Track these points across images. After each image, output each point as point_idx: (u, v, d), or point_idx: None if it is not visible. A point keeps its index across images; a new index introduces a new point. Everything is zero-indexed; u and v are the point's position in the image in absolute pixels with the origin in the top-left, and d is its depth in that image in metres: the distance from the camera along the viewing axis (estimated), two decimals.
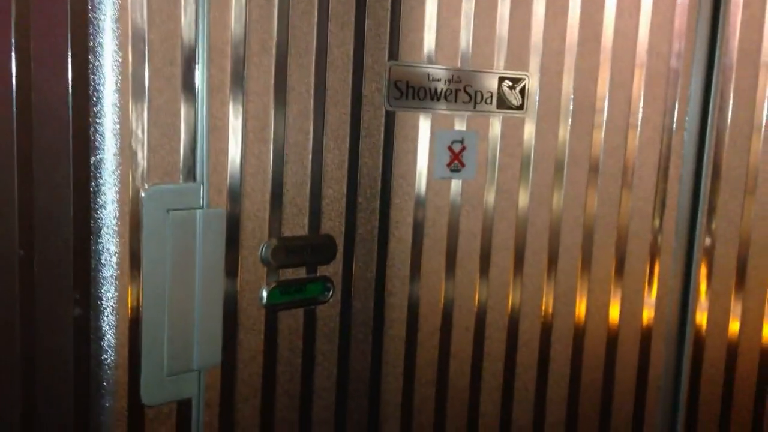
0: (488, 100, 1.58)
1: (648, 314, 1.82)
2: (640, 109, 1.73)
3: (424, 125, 1.52)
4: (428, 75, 1.52)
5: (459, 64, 1.53)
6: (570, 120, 1.66)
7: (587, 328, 1.76)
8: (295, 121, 1.36)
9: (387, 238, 1.53)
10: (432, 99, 1.52)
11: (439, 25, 1.50)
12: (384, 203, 1.51)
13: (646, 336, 1.83)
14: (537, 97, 1.62)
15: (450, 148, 1.56)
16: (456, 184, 1.57)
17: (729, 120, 1.81)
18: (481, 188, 1.60)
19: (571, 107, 1.66)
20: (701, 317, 1.87)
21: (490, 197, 1.61)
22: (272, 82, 1.33)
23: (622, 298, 1.79)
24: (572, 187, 1.69)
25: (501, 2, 1.56)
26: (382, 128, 1.49)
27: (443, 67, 1.52)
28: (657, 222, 1.79)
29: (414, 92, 1.51)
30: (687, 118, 1.78)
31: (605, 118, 1.70)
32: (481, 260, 1.63)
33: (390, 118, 1.49)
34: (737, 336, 1.91)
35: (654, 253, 1.80)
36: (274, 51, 1.32)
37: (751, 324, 1.90)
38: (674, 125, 1.77)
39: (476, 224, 1.61)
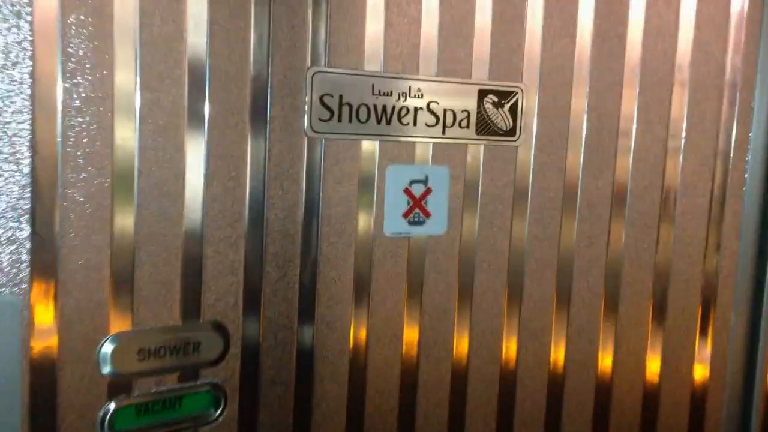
0: (464, 123, 1.10)
1: (701, 372, 1.31)
2: (684, 130, 1.23)
3: (368, 159, 1.04)
4: (372, 87, 1.04)
5: (419, 71, 1.06)
6: (583, 148, 1.17)
7: (614, 393, 1.25)
8: (153, 141, 0.89)
9: (313, 324, 1.04)
10: (379, 121, 1.05)
11: (389, 13, 1.03)
12: (307, 273, 1.03)
13: (698, 400, 1.32)
14: (535, 119, 1.13)
15: (408, 192, 1.08)
16: (417, 242, 1.09)
17: None
18: (454, 247, 1.12)
19: (585, 131, 1.16)
20: None
21: (470, 258, 1.13)
22: (112, 79, 0.86)
23: (664, 351, 1.28)
24: (587, 242, 1.20)
25: None
26: (303, 164, 1.01)
27: (395, 74, 1.04)
28: (711, 263, 1.28)
29: (351, 111, 1.03)
30: (750, 138, 1.28)
31: (633, 144, 1.20)
32: (456, 348, 1.14)
33: (314, 149, 1.02)
34: None
35: (707, 300, 1.29)
36: (113, 37, 0.85)
37: None
38: (732, 149, 1.26)
39: (448, 298, 1.13)
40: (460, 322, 1.16)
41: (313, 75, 1.01)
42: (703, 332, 1.33)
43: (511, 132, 1.15)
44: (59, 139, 0.85)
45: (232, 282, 0.98)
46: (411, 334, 1.12)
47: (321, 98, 1.02)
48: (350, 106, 1.04)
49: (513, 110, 1.14)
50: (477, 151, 1.13)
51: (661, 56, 1.21)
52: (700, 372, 1.33)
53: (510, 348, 1.19)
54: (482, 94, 1.12)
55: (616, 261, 1.24)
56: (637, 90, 1.20)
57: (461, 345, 1.16)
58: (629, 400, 1.30)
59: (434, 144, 1.10)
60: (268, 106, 0.98)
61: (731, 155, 1.29)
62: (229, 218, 0.97)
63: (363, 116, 1.05)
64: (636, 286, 1.26)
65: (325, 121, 1.02)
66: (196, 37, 0.92)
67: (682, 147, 1.25)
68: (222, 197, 0.96)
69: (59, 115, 0.84)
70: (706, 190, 1.28)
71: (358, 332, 1.09)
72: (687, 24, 1.21)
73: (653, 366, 1.30)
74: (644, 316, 1.28)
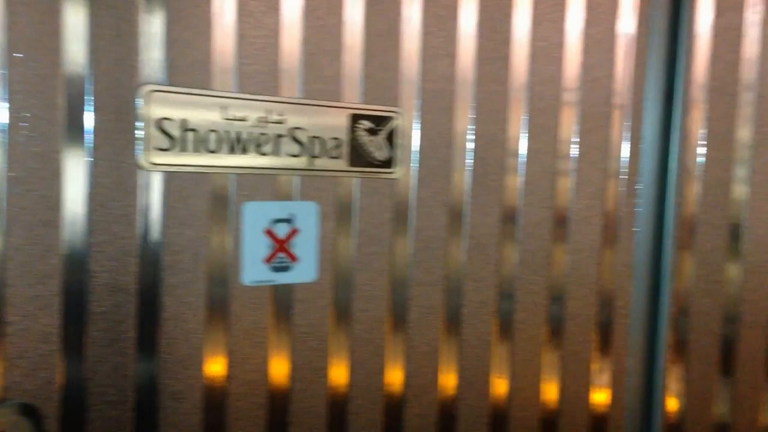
0: (334, 152, 0.95)
1: (600, 399, 1.20)
2: (574, 156, 1.13)
3: (220, 196, 0.87)
4: (224, 109, 0.87)
5: (281, 91, 0.90)
6: (470, 180, 1.04)
7: (510, 419, 1.12)
8: None
9: (155, 398, 0.85)
10: (232, 150, 0.87)
11: (242, 24, 0.87)
12: (145, 336, 0.83)
13: (599, 427, 1.21)
14: (416, 147, 1.00)
15: (270, 233, 0.91)
16: (283, 291, 0.92)
17: (704, 164, 1.24)
18: (326, 295, 0.95)
19: (470, 160, 1.04)
20: (672, 403, 1.26)
21: (346, 306, 0.97)
22: None
23: (563, 375, 1.16)
24: (474, 284, 1.06)
25: None
26: (137, 202, 0.82)
27: (252, 96, 0.87)
28: (608, 287, 1.18)
29: (198, 139, 0.86)
30: (642, 162, 1.20)
31: (524, 170, 1.09)
32: (331, 410, 0.97)
33: (151, 185, 0.83)
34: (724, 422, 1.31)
35: (607, 324, 1.19)
36: None
37: (741, 408, 1.31)
38: (620, 171, 1.18)
39: (321, 355, 0.96)
40: (336, 382, 1.00)
41: (149, 94, 0.83)
42: (601, 357, 1.23)
43: (389, 162, 1.00)
44: None
45: (45, 352, 0.78)
46: (279, 398, 0.95)
47: (159, 123, 0.84)
48: (196, 132, 0.86)
49: (390, 138, 1.00)
50: (350, 184, 0.98)
51: (548, 80, 1.11)
52: (599, 398, 1.23)
53: (393, 397, 1.04)
54: (355, 119, 0.97)
55: (506, 295, 1.12)
56: (524, 115, 1.10)
57: (337, 406, 1.00)
58: (527, 425, 1.17)
59: (300, 177, 0.94)
60: (90, 132, 0.79)
61: (623, 178, 1.20)
62: (39, 273, 0.77)
63: (213, 144, 0.87)
64: (529, 323, 1.14)
65: (163, 151, 0.84)
66: None
67: (573, 171, 1.15)
68: (27, 247, 0.76)
69: None
70: (598, 213, 1.18)
71: (212, 405, 0.90)
72: (574, 47, 1.12)
73: (551, 392, 1.18)
74: (539, 340, 1.17)
